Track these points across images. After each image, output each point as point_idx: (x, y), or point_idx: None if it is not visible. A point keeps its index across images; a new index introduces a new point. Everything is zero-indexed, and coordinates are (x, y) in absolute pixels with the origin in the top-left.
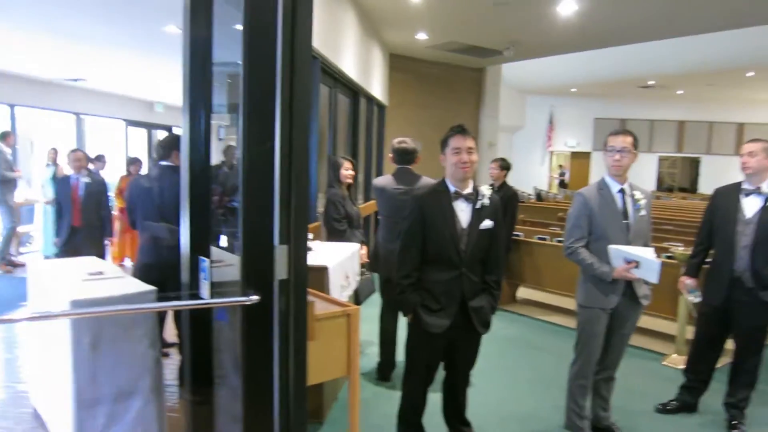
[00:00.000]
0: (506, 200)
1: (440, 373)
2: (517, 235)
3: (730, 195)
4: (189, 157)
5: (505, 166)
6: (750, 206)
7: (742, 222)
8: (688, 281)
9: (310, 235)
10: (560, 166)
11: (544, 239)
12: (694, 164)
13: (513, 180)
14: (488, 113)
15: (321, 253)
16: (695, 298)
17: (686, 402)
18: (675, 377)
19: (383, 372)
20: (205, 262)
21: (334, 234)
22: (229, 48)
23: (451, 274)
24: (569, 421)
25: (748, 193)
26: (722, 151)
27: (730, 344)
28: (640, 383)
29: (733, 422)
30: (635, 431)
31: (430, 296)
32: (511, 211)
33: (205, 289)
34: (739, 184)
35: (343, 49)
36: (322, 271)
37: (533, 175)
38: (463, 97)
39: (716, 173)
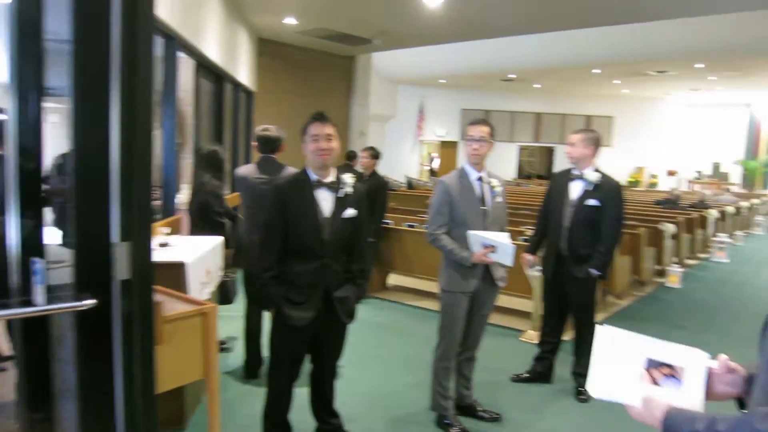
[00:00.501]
0: (376, 189)
1: (307, 366)
2: (387, 223)
3: (561, 179)
4: (18, 143)
5: (375, 155)
6: (574, 190)
7: (567, 204)
8: (528, 257)
9: (167, 230)
10: (430, 154)
11: (413, 226)
12: (550, 153)
13: (386, 169)
14: (359, 102)
15: (179, 248)
16: (535, 272)
17: (539, 372)
18: (532, 351)
19: (250, 369)
20: (37, 264)
21: (211, 228)
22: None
23: (313, 265)
24: (435, 402)
25: (573, 179)
26: None
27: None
28: (500, 359)
29: (579, 389)
30: (495, 405)
31: (293, 288)
32: (382, 200)
33: (39, 294)
34: (569, 170)
35: (204, 31)
36: (179, 267)
37: (405, 164)
38: (334, 85)
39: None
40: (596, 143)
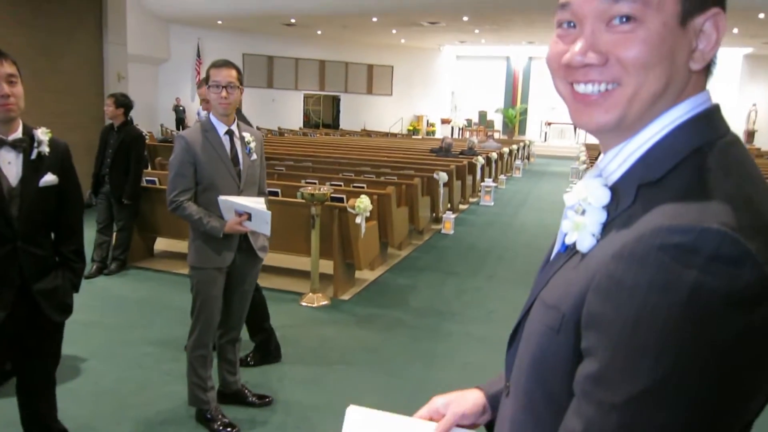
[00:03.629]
0: (130, 142)
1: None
2: (152, 182)
3: None
4: None
5: (122, 102)
6: None
7: None
8: None
9: None
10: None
11: (153, 182)
12: (336, 102)
13: (163, 117)
14: (113, 40)
15: None
16: None
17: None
18: (312, 317)
19: None
20: None
21: None
22: None
23: (1, 251)
24: (192, 396)
25: None
26: (357, 90)
27: None
28: (280, 329)
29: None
30: (269, 385)
31: None
32: (137, 154)
33: None
34: None
35: None
36: None
37: (186, 112)
38: (79, 18)
39: (353, 110)
40: None
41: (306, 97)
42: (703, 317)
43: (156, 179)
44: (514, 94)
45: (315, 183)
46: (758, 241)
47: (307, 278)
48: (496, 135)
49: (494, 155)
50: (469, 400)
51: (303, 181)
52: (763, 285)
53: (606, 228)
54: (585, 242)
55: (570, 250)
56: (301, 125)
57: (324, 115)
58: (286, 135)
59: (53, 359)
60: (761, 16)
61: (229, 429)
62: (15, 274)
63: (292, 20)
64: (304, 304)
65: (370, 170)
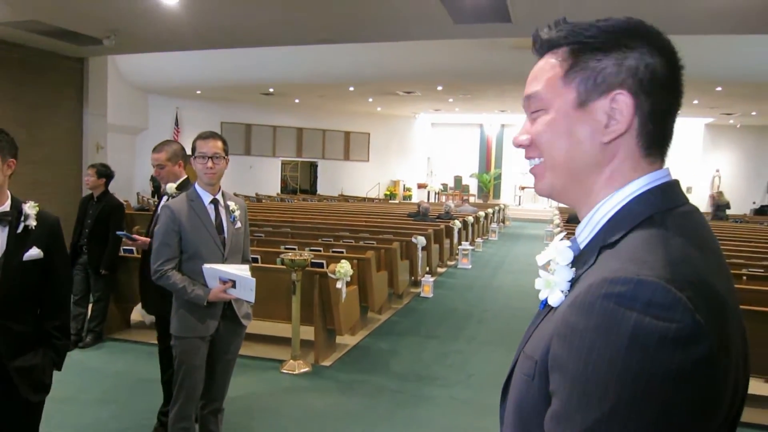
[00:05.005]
0: (109, 211)
1: None
2: (129, 251)
3: None
4: None
5: (104, 173)
6: None
7: None
8: None
9: None
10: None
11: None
12: (313, 168)
13: (128, 187)
14: (94, 111)
15: None
16: None
17: None
18: (295, 384)
19: None
20: None
21: None
22: None
23: None
24: None
25: None
26: (334, 156)
27: None
28: (260, 398)
29: None
30: None
31: None
32: (116, 224)
33: None
34: None
35: None
36: None
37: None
38: (60, 90)
39: (330, 176)
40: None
41: (284, 164)
42: (642, 355)
43: (133, 249)
44: (488, 159)
45: (294, 249)
46: (690, 291)
47: (287, 345)
48: (472, 199)
49: (471, 219)
50: None
51: (282, 247)
52: (693, 328)
53: (573, 285)
54: (555, 297)
55: (547, 307)
56: (279, 191)
57: (302, 181)
58: (264, 201)
59: None
60: (719, 89)
61: None
62: None
63: (270, 90)
64: (284, 371)
65: (349, 235)
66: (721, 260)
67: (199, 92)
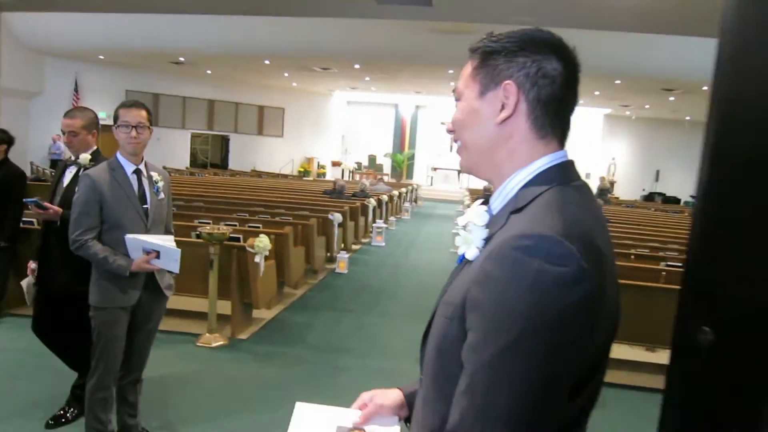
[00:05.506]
0: (10, 180)
1: None
2: (29, 223)
3: None
4: None
5: (3, 139)
6: None
7: None
8: None
9: None
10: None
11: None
12: (225, 142)
13: (21, 155)
14: None
15: None
16: None
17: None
18: (212, 357)
19: None
20: None
21: None
22: None
23: None
24: None
25: None
26: (247, 131)
27: None
28: (176, 371)
29: None
30: (171, 427)
31: None
32: (18, 193)
33: None
34: None
35: None
36: None
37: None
38: None
39: (243, 150)
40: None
41: (193, 136)
42: (542, 293)
43: (33, 220)
44: (402, 139)
45: (209, 223)
46: (578, 244)
47: (202, 319)
48: (386, 178)
49: (385, 198)
50: (389, 395)
51: (196, 221)
52: (580, 272)
53: (486, 242)
54: (471, 252)
55: (465, 261)
56: (188, 165)
57: (212, 155)
58: (172, 174)
59: None
60: (618, 81)
61: None
62: None
63: (181, 59)
64: (200, 344)
65: (265, 210)
66: (603, 224)
67: (101, 57)
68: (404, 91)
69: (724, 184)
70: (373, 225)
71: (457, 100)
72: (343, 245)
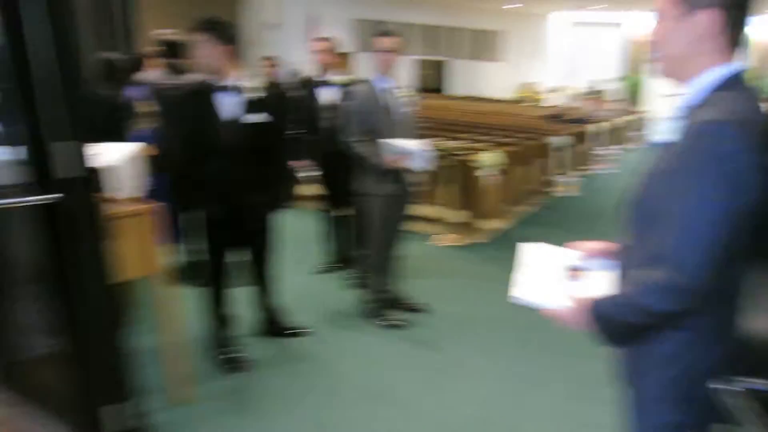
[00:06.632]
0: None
1: None
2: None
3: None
4: None
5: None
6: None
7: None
8: None
9: None
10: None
11: None
12: (440, 66)
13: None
14: (246, 6)
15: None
16: None
17: None
18: (447, 252)
19: None
20: None
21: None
22: None
23: None
24: (371, 295)
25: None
26: (462, 55)
27: None
28: (416, 260)
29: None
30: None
31: None
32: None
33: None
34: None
35: None
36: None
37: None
38: None
39: (457, 75)
40: None
41: (414, 62)
42: (722, 161)
43: None
44: (631, 62)
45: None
46: (743, 129)
47: (433, 225)
48: (613, 105)
49: (609, 124)
50: (606, 245)
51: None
52: (742, 145)
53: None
54: (669, 136)
55: (662, 145)
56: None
57: (429, 80)
58: None
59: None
60: None
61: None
62: None
63: None
64: (433, 243)
65: (487, 131)
66: (763, 118)
67: None
68: (632, 9)
69: None
70: (600, 151)
71: (660, 16)
72: (564, 170)
